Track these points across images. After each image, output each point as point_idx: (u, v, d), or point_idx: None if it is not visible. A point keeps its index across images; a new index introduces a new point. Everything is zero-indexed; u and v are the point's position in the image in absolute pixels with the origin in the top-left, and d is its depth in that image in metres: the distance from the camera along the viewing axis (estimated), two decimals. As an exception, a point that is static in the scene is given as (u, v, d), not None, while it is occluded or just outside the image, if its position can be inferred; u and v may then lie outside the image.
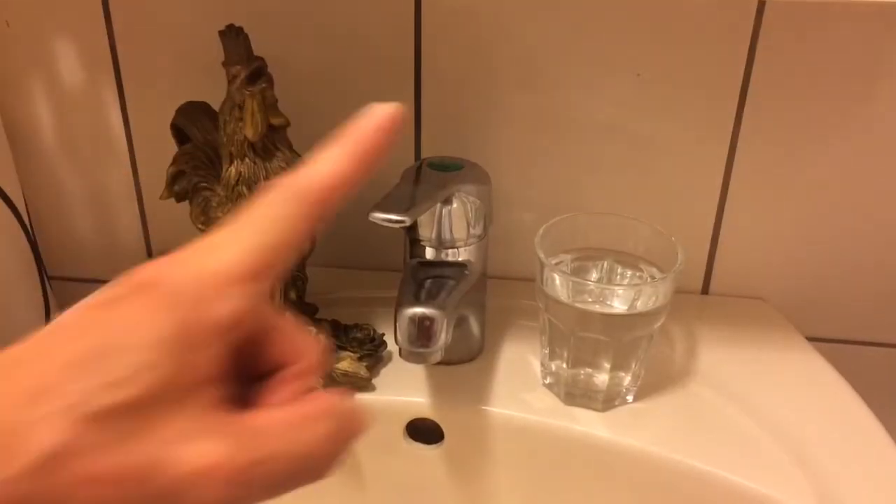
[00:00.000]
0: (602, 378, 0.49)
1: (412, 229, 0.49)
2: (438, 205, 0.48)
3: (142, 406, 0.21)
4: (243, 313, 0.23)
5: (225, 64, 0.46)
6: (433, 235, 0.49)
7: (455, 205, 0.48)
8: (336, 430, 0.24)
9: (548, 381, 0.52)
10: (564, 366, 0.50)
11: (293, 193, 0.24)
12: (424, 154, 0.59)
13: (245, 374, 0.24)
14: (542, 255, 0.48)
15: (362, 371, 0.51)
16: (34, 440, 0.19)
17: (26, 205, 0.64)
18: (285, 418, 0.23)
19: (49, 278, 0.66)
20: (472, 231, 0.49)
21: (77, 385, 0.20)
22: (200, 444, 0.21)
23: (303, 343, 0.25)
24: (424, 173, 0.49)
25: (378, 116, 0.26)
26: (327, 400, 0.24)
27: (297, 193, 0.24)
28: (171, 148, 0.53)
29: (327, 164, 0.25)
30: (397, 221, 0.42)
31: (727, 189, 0.58)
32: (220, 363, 0.22)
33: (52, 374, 0.20)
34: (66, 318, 0.22)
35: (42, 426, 0.20)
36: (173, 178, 0.52)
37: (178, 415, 0.21)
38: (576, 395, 0.50)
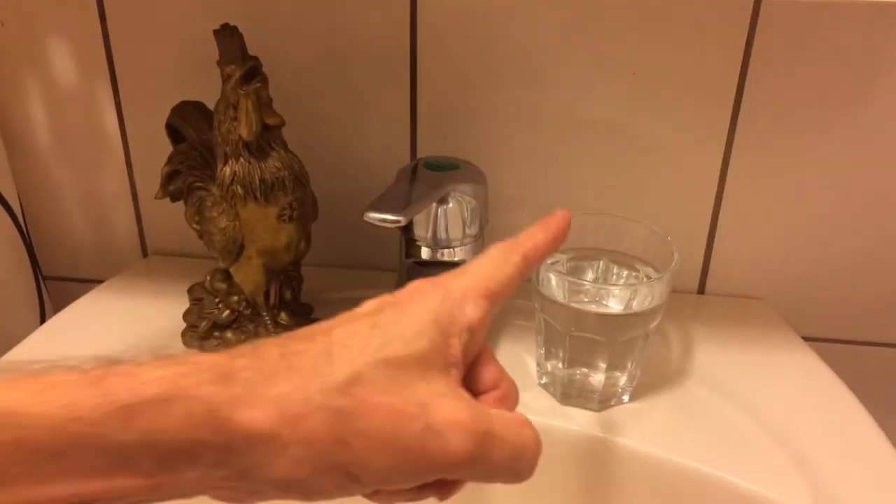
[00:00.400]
0: (598, 378, 0.49)
1: (408, 229, 0.49)
2: (434, 204, 0.48)
3: (416, 363, 0.28)
4: (481, 320, 0.31)
5: (219, 63, 0.46)
6: (429, 235, 0.49)
7: (451, 204, 0.48)
8: (538, 440, 0.30)
9: (544, 380, 0.52)
10: (560, 366, 0.50)
11: (518, 248, 0.34)
12: (420, 153, 0.59)
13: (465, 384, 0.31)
14: (537, 255, 0.48)
15: (358, 371, 0.51)
16: (343, 366, 0.27)
17: (21, 205, 0.63)
18: (507, 414, 0.30)
19: (44, 278, 0.66)
20: (467, 231, 0.49)
21: (376, 338, 0.28)
22: (454, 402, 0.28)
23: (503, 374, 0.32)
24: (420, 173, 0.49)
25: (561, 217, 0.37)
26: (525, 417, 0.30)
27: (519, 249, 0.34)
28: (166, 147, 0.53)
29: (539, 236, 0.35)
30: (392, 221, 0.42)
31: (723, 189, 0.58)
32: (464, 351, 0.30)
33: (362, 329, 0.29)
34: (369, 304, 0.31)
35: (353, 359, 0.27)
36: (168, 178, 0.52)
37: (439, 378, 0.29)
38: (572, 395, 0.50)
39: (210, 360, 0.26)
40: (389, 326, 0.29)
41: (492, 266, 0.33)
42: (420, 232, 0.49)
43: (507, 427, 0.29)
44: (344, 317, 0.30)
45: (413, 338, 0.29)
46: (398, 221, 0.42)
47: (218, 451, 0.25)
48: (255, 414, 0.25)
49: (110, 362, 0.26)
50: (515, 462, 0.29)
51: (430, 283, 0.31)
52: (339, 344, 0.28)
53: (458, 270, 0.32)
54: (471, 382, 0.31)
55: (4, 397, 0.23)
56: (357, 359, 0.27)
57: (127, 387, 0.24)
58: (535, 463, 0.30)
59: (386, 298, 0.31)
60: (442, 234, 0.49)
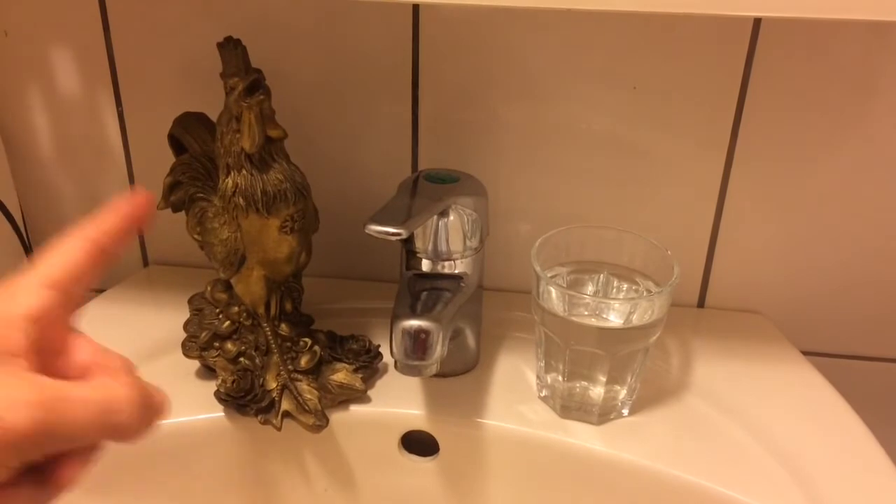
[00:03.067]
0: (598, 391, 0.49)
1: (409, 241, 0.49)
2: (435, 217, 0.48)
3: None
4: (42, 308, 0.30)
5: (223, 75, 0.46)
6: (429, 248, 0.49)
7: (451, 217, 0.48)
8: (134, 390, 0.30)
9: (543, 393, 0.52)
10: (560, 379, 0.50)
11: (82, 232, 0.33)
12: (421, 166, 0.59)
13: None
14: (538, 268, 0.48)
15: (358, 383, 0.51)
16: None
17: (22, 213, 0.64)
18: (96, 379, 0.30)
19: (45, 287, 0.66)
20: (468, 243, 0.49)
21: None
22: (10, 385, 0.28)
23: (100, 352, 0.32)
24: (421, 185, 0.49)
25: (133, 198, 0.36)
26: (127, 376, 0.31)
27: (82, 233, 0.33)
28: (168, 158, 0.53)
29: (108, 217, 0.34)
30: (393, 234, 0.42)
31: (723, 203, 0.58)
32: (27, 343, 0.29)
33: None
34: None
35: None
36: (170, 189, 0.52)
37: None
38: (571, 408, 0.50)
39: None
40: None
41: (57, 255, 0.32)
42: (421, 244, 0.49)
43: (90, 388, 0.29)
44: None
45: None
46: (399, 234, 0.42)
47: None
48: None
49: None
50: (107, 415, 0.29)
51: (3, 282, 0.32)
52: None
53: (21, 269, 0.32)
54: (66, 371, 0.31)
55: None
56: None
57: None
58: (137, 413, 0.30)
59: None
60: (443, 247, 0.49)
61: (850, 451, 0.48)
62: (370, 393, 0.52)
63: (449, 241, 0.49)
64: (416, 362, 0.43)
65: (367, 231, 0.42)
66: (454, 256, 0.49)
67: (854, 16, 0.39)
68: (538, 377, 0.52)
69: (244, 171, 0.47)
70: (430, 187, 0.49)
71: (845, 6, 0.39)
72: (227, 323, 0.52)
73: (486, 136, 0.58)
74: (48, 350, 0.30)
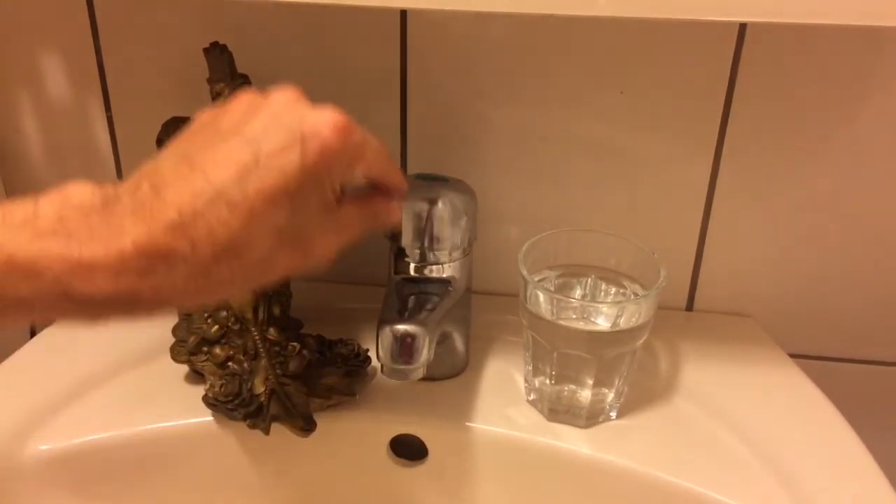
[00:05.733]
0: (585, 394, 0.49)
1: (398, 244, 0.49)
2: (424, 214, 0.47)
3: None
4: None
5: (209, 81, 0.46)
6: (417, 253, 0.49)
7: (440, 205, 0.48)
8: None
9: (531, 397, 0.52)
10: (548, 382, 0.50)
11: None
12: (410, 171, 0.59)
13: None
14: (525, 273, 0.48)
15: (346, 387, 0.51)
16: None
17: (12, 219, 0.63)
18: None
19: (34, 292, 0.66)
20: (456, 244, 0.49)
21: None
22: (318, 111, 0.34)
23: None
24: (411, 184, 0.49)
25: None
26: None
27: None
28: (157, 163, 0.53)
29: None
30: None
31: (711, 206, 0.58)
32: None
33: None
34: None
35: None
36: (158, 194, 0.52)
37: None
38: (559, 411, 0.50)
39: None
40: None
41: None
42: (408, 246, 0.49)
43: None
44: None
45: None
46: None
47: None
48: None
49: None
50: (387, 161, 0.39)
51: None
52: None
53: None
54: None
55: None
56: None
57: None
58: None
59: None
60: (430, 255, 0.49)
61: (837, 453, 0.49)
62: (359, 397, 0.52)
63: (436, 244, 0.49)
64: (403, 366, 0.43)
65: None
66: (442, 260, 0.49)
67: (840, 21, 0.40)
68: (526, 381, 0.53)
69: (231, 176, 0.47)
70: (420, 183, 0.49)
71: (831, 11, 0.39)
72: (216, 327, 0.52)
73: (475, 141, 0.58)
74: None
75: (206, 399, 0.50)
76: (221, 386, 0.50)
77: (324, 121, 0.33)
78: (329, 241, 0.35)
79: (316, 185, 0.33)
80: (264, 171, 0.31)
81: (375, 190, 0.39)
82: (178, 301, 0.31)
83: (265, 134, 0.32)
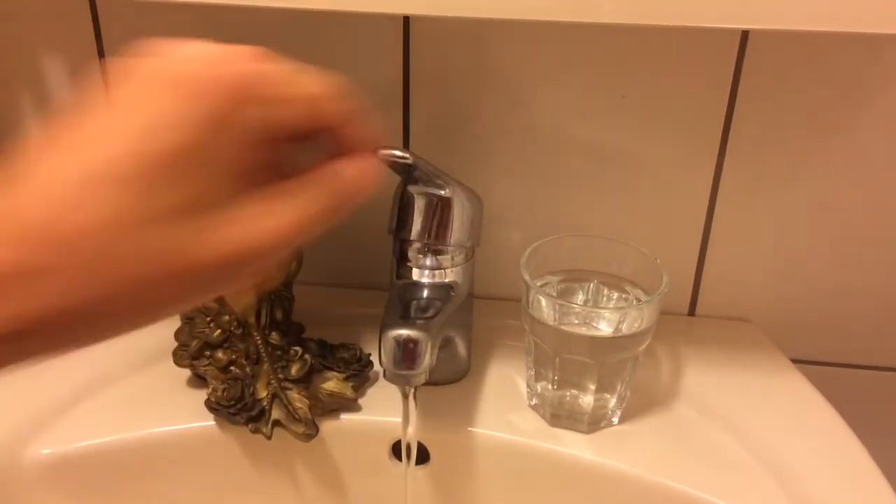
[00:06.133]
0: (587, 400, 0.49)
1: (401, 249, 0.49)
2: (434, 209, 0.47)
3: None
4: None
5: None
6: (422, 259, 0.49)
7: (444, 191, 0.47)
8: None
9: (533, 402, 0.52)
10: (550, 387, 0.50)
11: None
12: (413, 174, 0.59)
13: None
14: (527, 278, 0.48)
15: (348, 391, 0.51)
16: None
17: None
18: None
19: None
20: (461, 246, 0.49)
21: None
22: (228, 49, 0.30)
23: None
24: (423, 169, 0.48)
25: None
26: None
27: None
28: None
29: None
30: (400, 157, 0.43)
31: (713, 211, 0.58)
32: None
33: None
34: None
35: None
36: (161, 198, 0.52)
37: None
38: (561, 416, 0.50)
39: None
40: None
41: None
42: (412, 248, 0.49)
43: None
44: None
45: None
46: (406, 158, 0.44)
47: None
48: None
49: None
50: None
51: None
52: None
53: None
54: None
55: None
56: None
57: None
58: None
59: None
60: (432, 255, 0.49)
61: (839, 459, 0.49)
62: (360, 401, 0.52)
63: (440, 246, 0.48)
64: (405, 371, 0.43)
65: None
66: (444, 265, 0.49)
67: (842, 28, 0.40)
68: (528, 386, 0.53)
69: (234, 181, 0.47)
70: (432, 168, 0.48)
71: (833, 19, 0.39)
72: (218, 332, 0.52)
73: (477, 146, 0.58)
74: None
75: (208, 403, 0.50)
76: (224, 390, 0.50)
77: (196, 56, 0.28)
78: (274, 223, 0.28)
79: (213, 146, 0.27)
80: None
81: (339, 151, 0.32)
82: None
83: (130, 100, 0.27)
